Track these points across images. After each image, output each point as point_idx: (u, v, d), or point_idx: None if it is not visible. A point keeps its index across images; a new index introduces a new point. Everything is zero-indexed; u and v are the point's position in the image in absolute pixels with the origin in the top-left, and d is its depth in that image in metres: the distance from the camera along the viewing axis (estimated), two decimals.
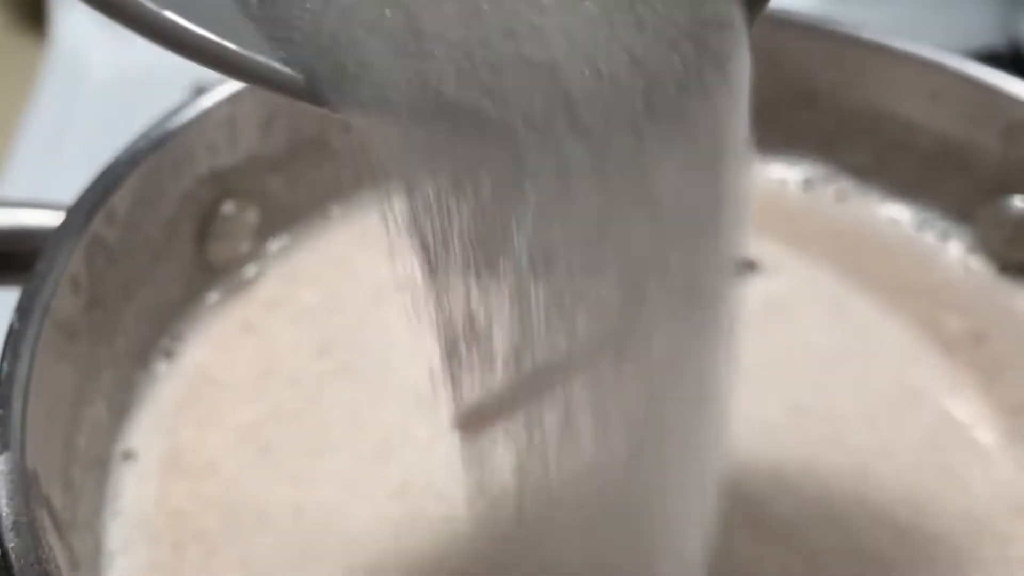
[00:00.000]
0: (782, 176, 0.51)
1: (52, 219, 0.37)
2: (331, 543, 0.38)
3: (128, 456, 0.40)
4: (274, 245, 0.46)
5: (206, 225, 0.43)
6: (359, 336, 0.44)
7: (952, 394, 0.44)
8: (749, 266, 0.47)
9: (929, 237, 0.49)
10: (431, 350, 0.42)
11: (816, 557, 0.39)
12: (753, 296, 0.46)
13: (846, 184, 0.51)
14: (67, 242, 0.35)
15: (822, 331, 0.45)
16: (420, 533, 0.38)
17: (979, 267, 0.48)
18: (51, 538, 0.31)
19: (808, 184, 0.51)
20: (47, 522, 0.31)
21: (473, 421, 0.37)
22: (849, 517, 0.40)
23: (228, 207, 0.43)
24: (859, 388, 0.43)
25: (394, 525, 0.38)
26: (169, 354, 0.42)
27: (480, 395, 0.39)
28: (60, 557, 0.31)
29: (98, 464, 0.38)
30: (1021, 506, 0.41)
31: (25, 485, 0.30)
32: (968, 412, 0.43)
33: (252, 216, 0.44)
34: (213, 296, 0.44)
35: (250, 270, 0.45)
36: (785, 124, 0.50)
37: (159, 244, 0.41)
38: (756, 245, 0.48)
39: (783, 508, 0.40)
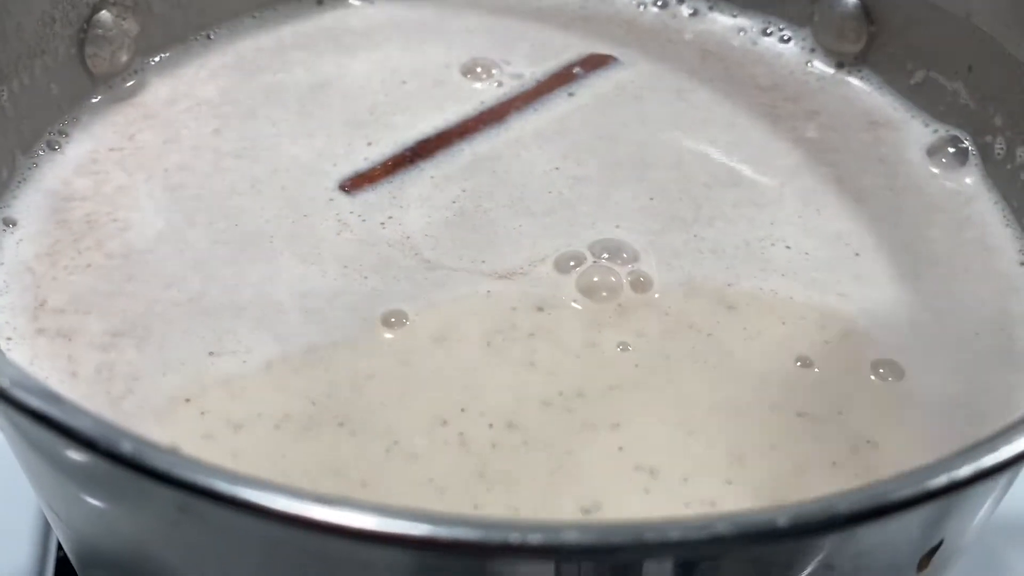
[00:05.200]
0: None
1: None
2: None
3: (8, 223, 0.44)
4: (155, 60, 0.50)
5: (84, 29, 0.47)
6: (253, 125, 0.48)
7: (762, 156, 0.48)
8: (610, 59, 0.51)
9: (773, 41, 0.53)
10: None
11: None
12: (604, 84, 0.51)
13: (700, 3, 0.54)
14: None
15: (660, 110, 0.49)
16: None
17: (819, 66, 0.52)
18: None
19: (664, 5, 0.54)
20: None
21: (355, 183, 0.46)
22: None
23: (105, 15, 0.47)
24: (672, 148, 0.48)
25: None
26: (54, 145, 0.47)
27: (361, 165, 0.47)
28: None
29: None
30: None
31: None
32: (770, 164, 0.48)
33: (131, 26, 0.48)
34: (97, 100, 0.48)
35: (132, 79, 0.49)
36: None
37: (35, 38, 0.45)
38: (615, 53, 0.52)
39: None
